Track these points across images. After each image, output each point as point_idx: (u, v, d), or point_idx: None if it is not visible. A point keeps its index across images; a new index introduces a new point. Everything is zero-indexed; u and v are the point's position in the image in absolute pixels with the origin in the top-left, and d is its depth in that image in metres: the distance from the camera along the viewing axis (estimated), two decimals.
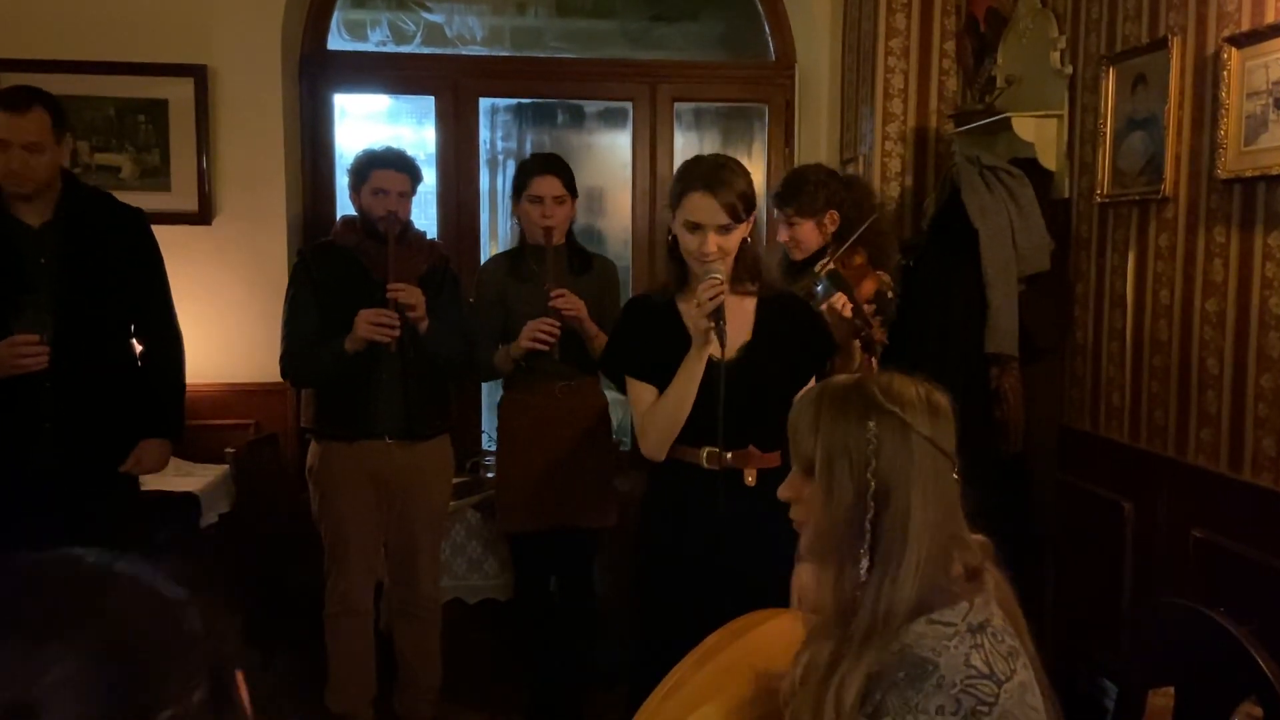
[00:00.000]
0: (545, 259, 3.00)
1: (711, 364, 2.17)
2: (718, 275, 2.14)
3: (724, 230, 2.17)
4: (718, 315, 2.11)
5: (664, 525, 2.30)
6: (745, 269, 2.27)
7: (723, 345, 2.12)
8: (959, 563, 1.29)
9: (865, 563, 1.27)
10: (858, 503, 1.28)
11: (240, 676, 0.75)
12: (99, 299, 2.70)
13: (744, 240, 2.24)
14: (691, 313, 2.17)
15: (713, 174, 2.20)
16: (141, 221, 2.85)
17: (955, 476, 1.31)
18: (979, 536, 1.33)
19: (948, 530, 1.29)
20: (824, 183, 2.90)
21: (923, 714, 1.18)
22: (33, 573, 0.74)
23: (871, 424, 1.29)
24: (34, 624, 0.69)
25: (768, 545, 2.17)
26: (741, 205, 2.19)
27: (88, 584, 0.73)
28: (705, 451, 2.20)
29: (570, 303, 2.91)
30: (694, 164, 2.30)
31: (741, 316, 2.25)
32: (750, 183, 2.24)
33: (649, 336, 2.27)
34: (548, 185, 3.03)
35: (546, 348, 2.91)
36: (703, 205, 2.17)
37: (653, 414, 2.23)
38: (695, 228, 2.18)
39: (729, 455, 2.21)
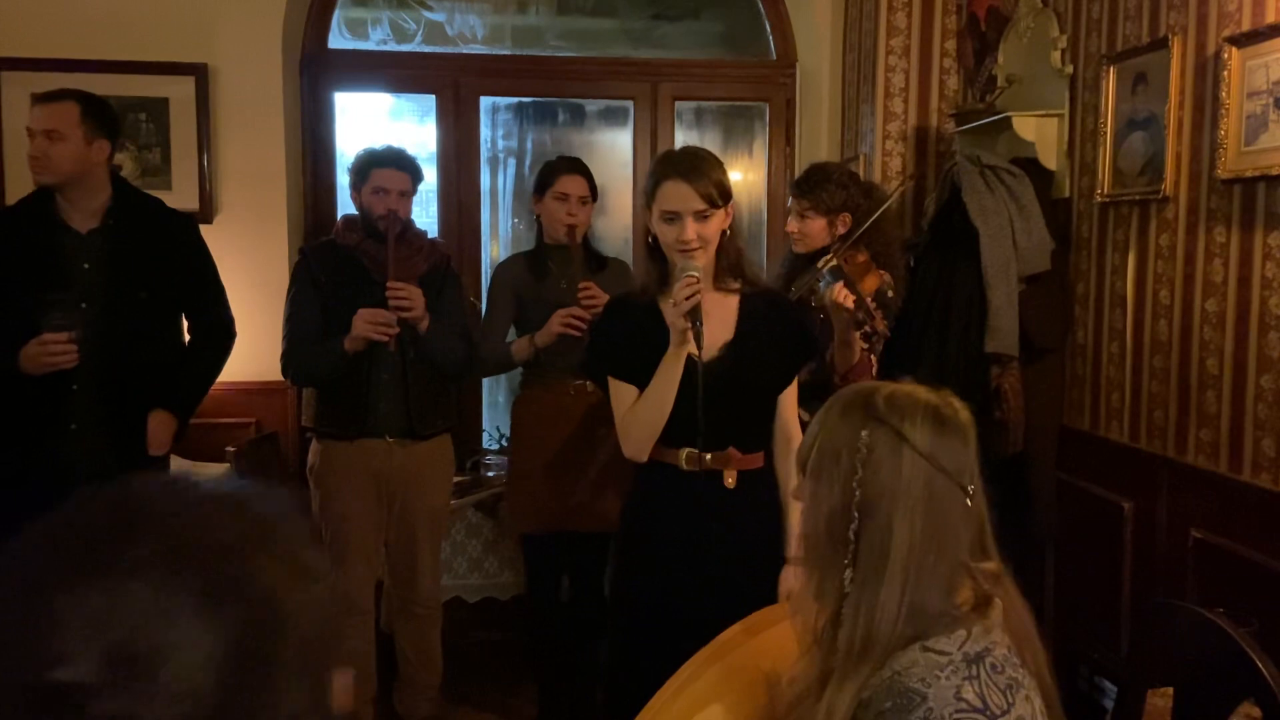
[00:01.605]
0: (566, 256, 3.02)
1: (690, 363, 2.12)
2: (694, 273, 2.10)
3: (701, 217, 2.13)
4: (694, 315, 2.06)
5: (642, 527, 2.26)
6: (728, 265, 2.23)
7: (699, 345, 2.07)
8: (966, 589, 1.24)
9: (849, 574, 1.24)
10: (842, 511, 1.25)
11: (340, 680, 0.70)
12: (137, 305, 2.72)
13: (724, 234, 2.19)
14: (669, 311, 2.13)
15: (686, 162, 2.18)
16: (191, 227, 2.88)
17: (968, 501, 1.25)
18: (991, 565, 1.28)
19: (948, 555, 1.24)
20: (845, 184, 2.91)
21: None
22: (216, 504, 0.68)
23: (865, 433, 1.26)
24: (200, 573, 0.62)
25: (748, 548, 2.16)
26: (717, 192, 2.15)
27: (253, 544, 0.66)
28: (684, 453, 2.16)
29: (595, 295, 2.92)
30: (666, 155, 2.30)
31: (724, 314, 2.21)
32: (725, 173, 2.21)
33: (630, 336, 2.23)
34: (575, 184, 3.07)
35: (579, 334, 2.92)
36: (678, 192, 2.13)
37: (633, 414, 2.19)
38: (672, 217, 2.14)
39: (708, 457, 2.16)
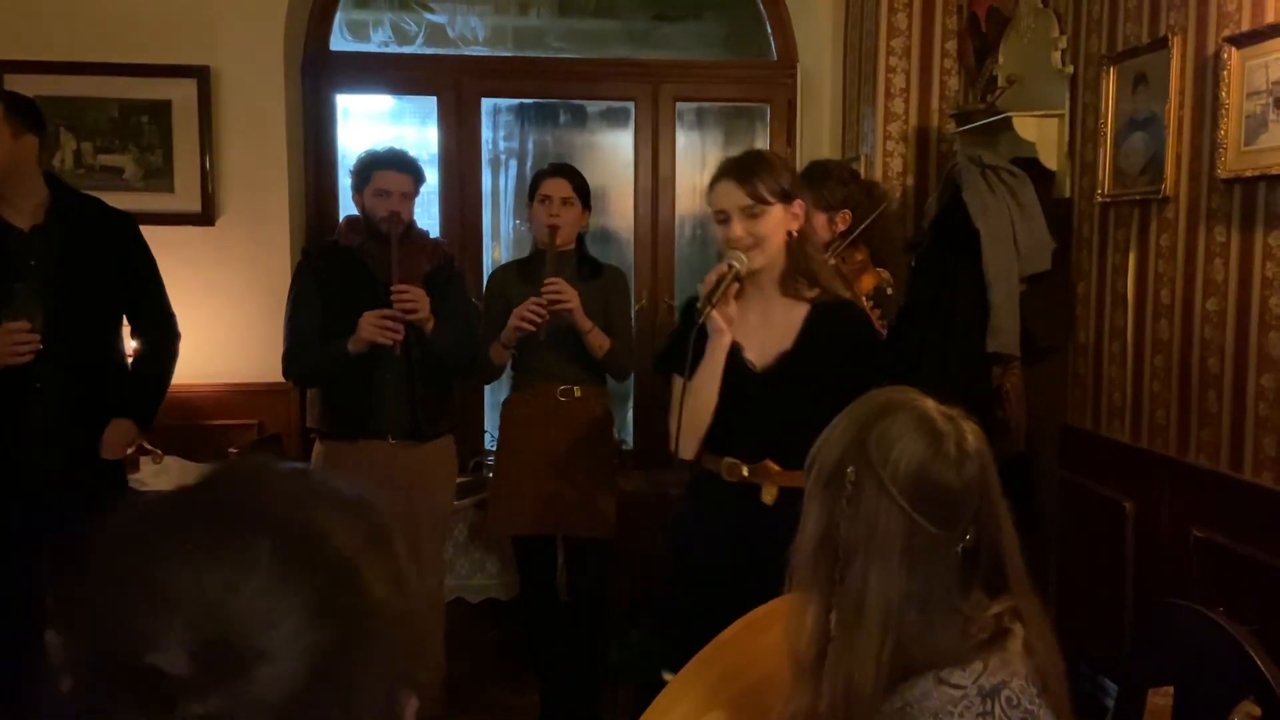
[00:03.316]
0: (559, 262, 3.02)
1: (743, 370, 2.07)
2: (732, 263, 2.05)
3: (748, 213, 2.09)
4: (712, 295, 2.01)
5: (683, 535, 2.23)
6: (796, 269, 2.15)
7: (713, 329, 2.02)
8: (973, 628, 1.20)
9: (834, 616, 1.21)
10: (827, 544, 1.22)
11: (411, 706, 0.68)
12: (87, 301, 2.72)
13: (791, 236, 2.13)
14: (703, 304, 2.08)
15: (737, 162, 2.17)
16: (131, 226, 2.87)
17: (962, 542, 1.20)
18: (1004, 603, 1.23)
19: (937, 610, 1.19)
20: (845, 181, 2.91)
21: None
22: (340, 509, 0.66)
23: (851, 470, 1.21)
24: (313, 581, 0.61)
25: (783, 571, 2.13)
26: (767, 189, 2.10)
27: (368, 556, 0.65)
28: (725, 462, 2.10)
29: (561, 290, 2.92)
30: (725, 160, 2.29)
31: (787, 323, 2.14)
32: (786, 172, 2.15)
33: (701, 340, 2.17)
34: (557, 186, 3.07)
35: (533, 328, 2.91)
36: (724, 191, 2.12)
37: (675, 408, 2.12)
38: (723, 218, 2.12)
39: (745, 469, 2.09)
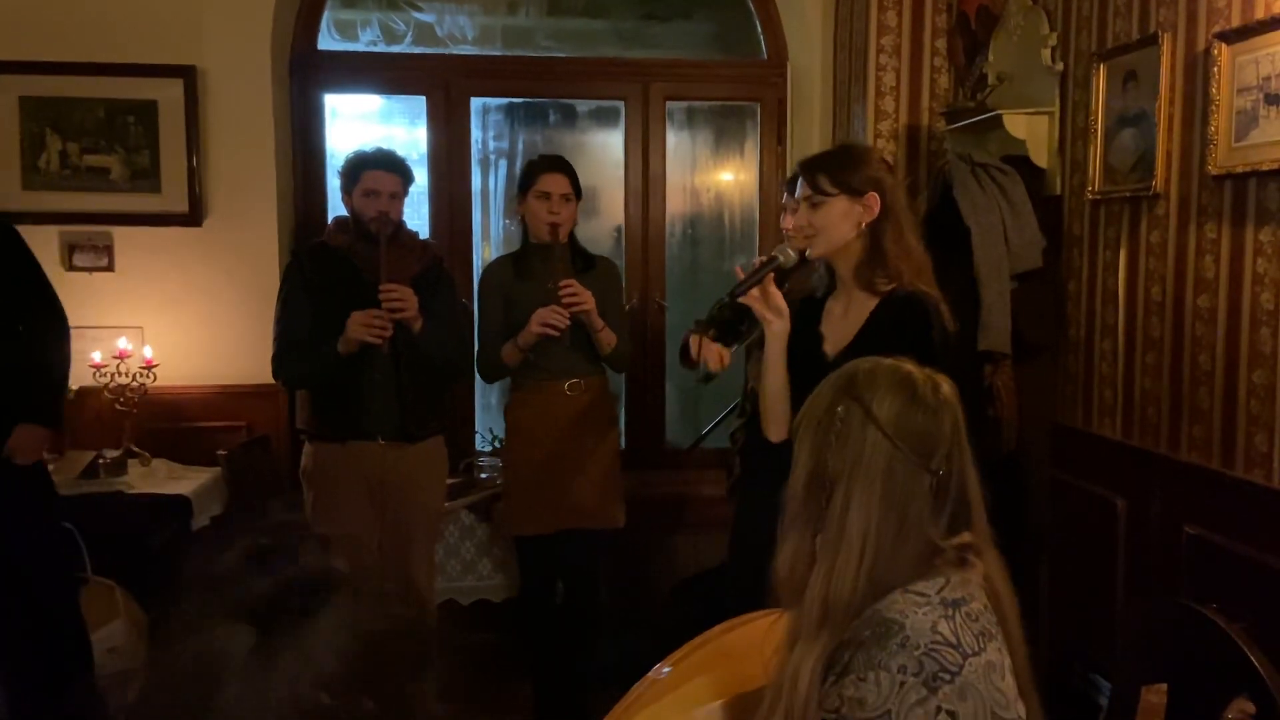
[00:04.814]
0: (550, 256, 3.01)
1: (819, 360, 2.12)
2: (776, 253, 2.12)
3: (810, 204, 2.14)
4: (748, 282, 2.08)
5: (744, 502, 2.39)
6: (871, 262, 2.15)
7: (761, 319, 2.09)
8: (939, 559, 1.30)
9: (819, 540, 1.32)
10: (815, 478, 1.33)
11: None
12: None
13: (862, 228, 2.14)
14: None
15: (815, 154, 2.26)
16: (5, 230, 2.85)
17: (932, 481, 1.31)
18: (965, 537, 1.32)
19: (910, 534, 1.30)
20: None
21: (884, 671, 1.20)
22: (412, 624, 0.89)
23: (840, 408, 1.34)
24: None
25: None
26: (829, 180, 2.12)
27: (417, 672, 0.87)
28: None
29: (578, 293, 2.92)
30: None
31: (855, 316, 2.17)
32: (862, 166, 2.16)
33: (794, 330, 2.21)
34: (556, 182, 3.06)
35: (557, 334, 2.92)
36: (801, 182, 2.19)
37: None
38: (794, 207, 2.24)
39: None
